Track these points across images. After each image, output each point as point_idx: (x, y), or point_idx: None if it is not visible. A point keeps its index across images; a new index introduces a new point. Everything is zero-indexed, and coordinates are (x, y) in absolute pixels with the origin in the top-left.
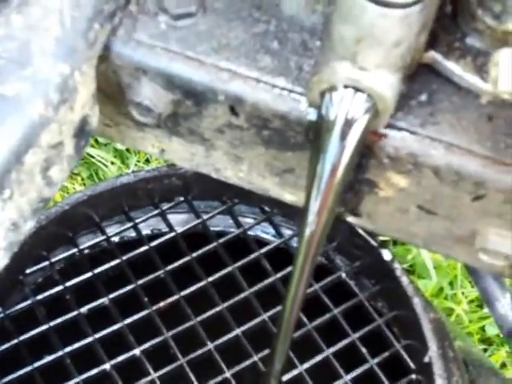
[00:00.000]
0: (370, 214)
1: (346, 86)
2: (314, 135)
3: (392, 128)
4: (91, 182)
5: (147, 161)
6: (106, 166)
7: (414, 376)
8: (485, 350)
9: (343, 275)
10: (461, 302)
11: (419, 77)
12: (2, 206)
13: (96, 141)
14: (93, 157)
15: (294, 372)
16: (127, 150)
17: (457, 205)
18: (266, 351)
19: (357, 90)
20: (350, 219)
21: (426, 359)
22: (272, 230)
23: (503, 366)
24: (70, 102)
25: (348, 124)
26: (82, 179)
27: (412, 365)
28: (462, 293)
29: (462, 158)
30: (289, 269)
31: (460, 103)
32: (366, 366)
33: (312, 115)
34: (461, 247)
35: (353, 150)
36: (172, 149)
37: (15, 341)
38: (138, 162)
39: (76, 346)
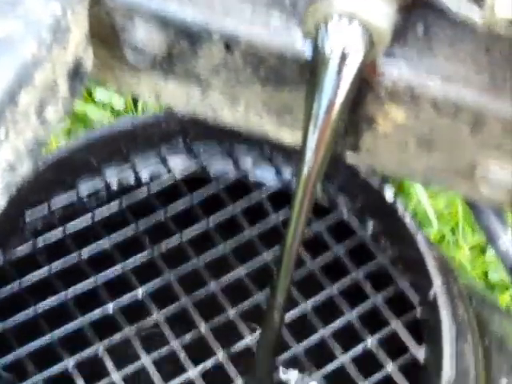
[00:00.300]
0: (370, 151)
1: (341, 17)
2: (309, 71)
3: (388, 61)
4: None
5: None
6: (103, 124)
7: (418, 311)
8: None
9: (345, 215)
10: (463, 249)
11: (415, 10)
12: None
13: (94, 101)
14: (90, 117)
15: (298, 310)
16: (125, 110)
17: (455, 137)
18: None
19: (352, 20)
20: (350, 157)
21: (431, 295)
22: (272, 171)
23: (507, 311)
24: (62, 42)
25: (343, 56)
26: None
27: (417, 301)
28: (464, 240)
29: (459, 89)
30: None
31: (456, 36)
32: (370, 303)
33: (307, 50)
34: (461, 180)
35: (349, 84)
36: (168, 92)
37: (16, 284)
38: None
39: (78, 287)
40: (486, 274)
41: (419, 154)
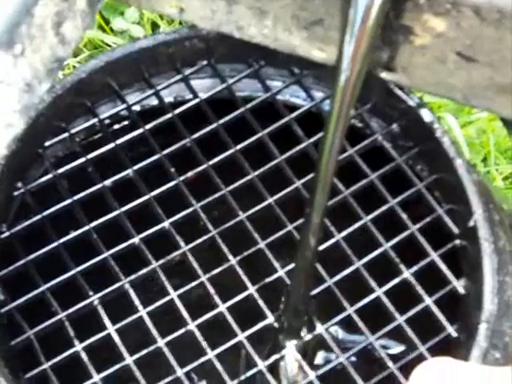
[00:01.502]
0: (406, 68)
1: None
2: None
3: None
4: None
5: None
6: None
7: (457, 241)
8: None
9: (379, 138)
10: (495, 179)
11: None
12: (14, 63)
13: (111, 29)
14: (108, 45)
15: (331, 241)
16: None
17: (499, 48)
18: (301, 220)
19: None
20: (384, 75)
21: (471, 223)
22: (302, 93)
23: None
24: None
25: None
26: None
27: (456, 230)
28: (496, 170)
29: None
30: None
31: None
32: (406, 233)
33: None
34: (504, 98)
35: None
36: (191, 7)
37: (38, 216)
38: None
39: (102, 220)
40: None
41: (459, 68)
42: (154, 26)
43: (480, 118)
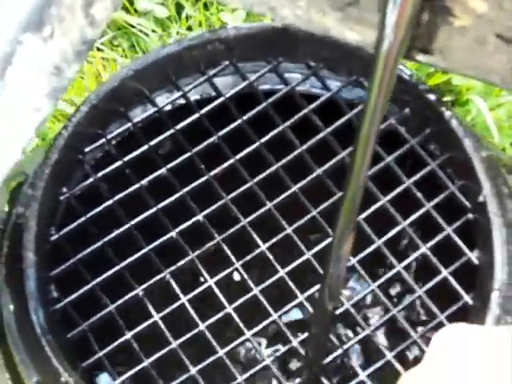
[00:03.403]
0: (443, 50)
1: None
2: None
3: None
4: (132, 53)
5: (189, 28)
6: (146, 35)
7: (470, 215)
8: None
9: (393, 122)
10: None
11: None
12: (43, 45)
13: (135, 10)
14: (133, 26)
15: None
16: (168, 17)
17: None
18: (323, 205)
19: None
20: (421, 58)
21: (481, 198)
22: (319, 84)
23: None
24: None
25: None
26: (123, 50)
27: (467, 205)
28: None
29: None
30: (339, 122)
31: None
32: (422, 210)
33: None
34: None
35: None
36: None
37: (82, 219)
38: (180, 29)
39: (141, 217)
40: None
41: (499, 51)
42: (179, 7)
43: (510, 101)
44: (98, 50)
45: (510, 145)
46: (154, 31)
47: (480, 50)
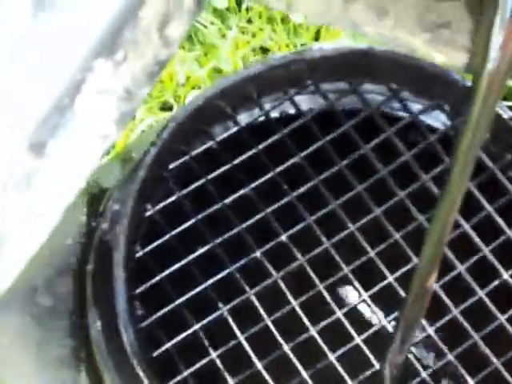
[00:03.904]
0: None
1: None
2: None
3: None
4: (190, 45)
5: (249, 21)
6: (205, 26)
7: None
8: None
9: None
10: None
11: None
12: (115, 70)
13: None
14: None
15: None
16: (227, 9)
17: None
18: (407, 228)
19: None
20: None
21: None
22: (401, 107)
23: None
24: None
25: None
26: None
27: None
28: None
29: None
30: (421, 145)
31: None
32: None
33: None
34: None
35: None
36: (302, 1)
37: (167, 236)
38: (240, 21)
39: (226, 236)
40: None
41: None
42: None
43: None
44: None
45: None
46: (212, 23)
47: None
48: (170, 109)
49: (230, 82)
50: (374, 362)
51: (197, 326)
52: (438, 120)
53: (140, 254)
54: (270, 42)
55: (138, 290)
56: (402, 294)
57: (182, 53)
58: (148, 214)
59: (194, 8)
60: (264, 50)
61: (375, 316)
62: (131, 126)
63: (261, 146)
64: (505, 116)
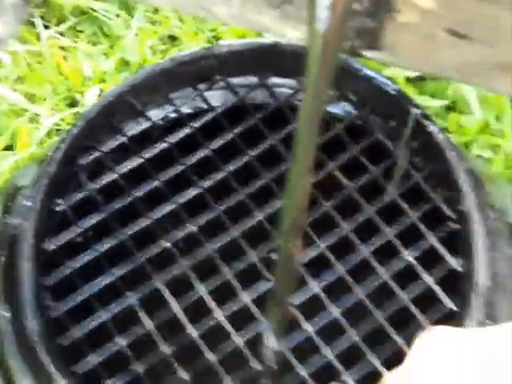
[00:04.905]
0: (392, 46)
1: None
2: None
3: None
4: (96, 39)
5: (155, 11)
6: (110, 19)
7: (453, 225)
8: None
9: (379, 136)
10: (509, 137)
11: None
12: None
13: None
14: (95, 11)
15: (339, 233)
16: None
17: (496, 25)
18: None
19: None
20: (370, 54)
21: (464, 208)
22: None
23: None
24: None
25: None
26: (86, 37)
27: (451, 214)
28: (511, 127)
29: None
30: (329, 134)
31: None
32: (407, 220)
33: None
34: (503, 76)
35: None
36: None
37: (78, 230)
38: (146, 12)
39: (135, 227)
40: None
41: (451, 47)
42: None
43: None
44: (62, 34)
45: (494, 118)
46: (118, 15)
47: (430, 46)
48: (77, 104)
49: (140, 78)
50: None
51: (105, 315)
52: (344, 110)
53: (51, 247)
54: (178, 31)
55: (48, 282)
56: None
57: (87, 47)
58: (59, 208)
59: (20, 1)
60: (173, 39)
61: None
62: (36, 123)
63: (171, 141)
64: (388, 89)
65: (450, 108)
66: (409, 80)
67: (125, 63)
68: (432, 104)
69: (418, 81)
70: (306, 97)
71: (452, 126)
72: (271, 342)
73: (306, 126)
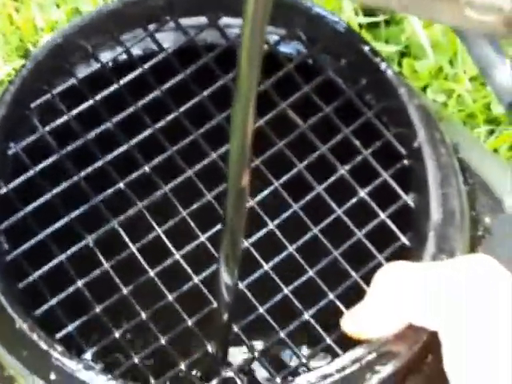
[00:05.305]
0: None
1: None
2: None
3: None
4: None
5: None
6: None
7: (405, 161)
8: (491, 132)
9: (331, 74)
10: (462, 81)
11: None
12: None
13: None
14: None
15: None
16: None
17: None
18: None
19: None
20: None
21: (416, 144)
22: None
23: (494, 153)
24: None
25: None
26: None
27: (403, 151)
28: (464, 71)
29: None
30: (279, 74)
31: None
32: (359, 158)
33: None
34: (444, 5)
35: None
36: None
37: (31, 172)
38: None
39: (89, 169)
40: (488, 106)
41: None
42: None
43: None
44: None
45: (447, 63)
46: None
47: None
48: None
49: (87, 19)
50: None
51: (62, 257)
52: (294, 49)
53: (4, 190)
54: None
55: (3, 226)
56: None
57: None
58: (11, 152)
59: None
60: None
61: None
62: None
63: (122, 82)
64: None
65: (404, 54)
66: (362, 26)
67: (78, 12)
68: (386, 49)
69: (371, 27)
70: (245, 30)
71: (406, 71)
72: (225, 278)
73: (246, 61)
